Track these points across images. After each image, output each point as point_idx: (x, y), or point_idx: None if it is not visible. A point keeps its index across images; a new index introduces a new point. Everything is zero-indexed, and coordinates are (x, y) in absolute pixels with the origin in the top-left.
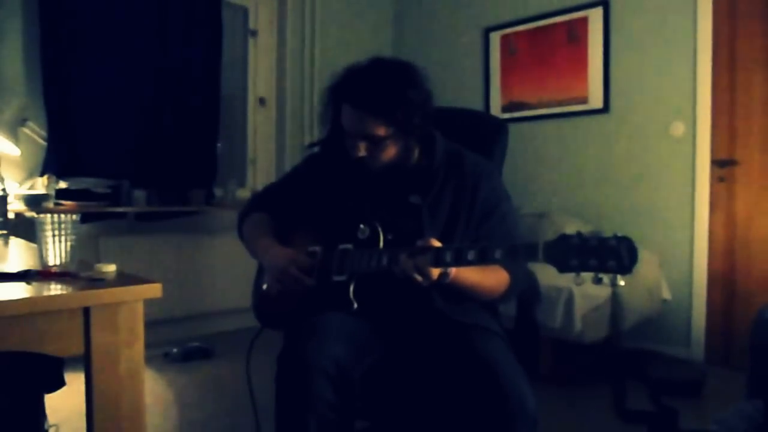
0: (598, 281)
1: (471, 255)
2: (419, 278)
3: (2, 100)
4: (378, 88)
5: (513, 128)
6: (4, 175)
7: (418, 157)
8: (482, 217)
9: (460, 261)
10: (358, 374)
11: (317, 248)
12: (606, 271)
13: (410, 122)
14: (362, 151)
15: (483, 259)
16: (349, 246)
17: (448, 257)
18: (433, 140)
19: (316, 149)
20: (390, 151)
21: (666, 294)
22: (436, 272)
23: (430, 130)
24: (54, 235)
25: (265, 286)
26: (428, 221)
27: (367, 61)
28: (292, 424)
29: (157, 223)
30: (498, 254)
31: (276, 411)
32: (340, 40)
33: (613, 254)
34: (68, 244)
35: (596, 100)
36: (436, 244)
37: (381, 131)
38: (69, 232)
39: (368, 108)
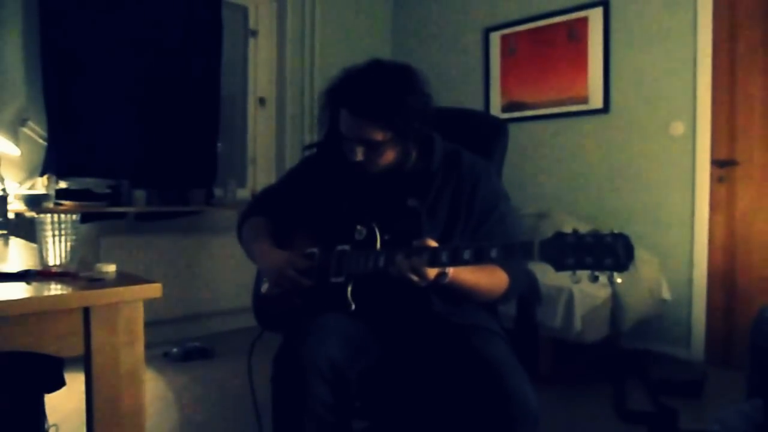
0: (594, 279)
1: (467, 254)
2: (416, 279)
3: (2, 100)
4: (376, 93)
5: (513, 128)
6: (4, 175)
7: (416, 159)
8: (481, 218)
9: (457, 261)
10: (354, 375)
11: (315, 250)
12: (602, 268)
13: (408, 127)
14: (360, 156)
15: (479, 259)
16: (347, 247)
17: (445, 257)
18: (431, 142)
19: (313, 150)
20: (388, 156)
21: (666, 294)
22: (432, 272)
23: (428, 133)
24: (54, 235)
25: (264, 289)
26: (427, 224)
27: (365, 65)
28: (289, 424)
29: (157, 223)
30: (494, 253)
31: (273, 412)
32: (340, 40)
33: (610, 251)
34: (68, 244)
35: (596, 100)
36: (433, 244)
37: (379, 136)
38: (69, 232)
39: (366, 114)
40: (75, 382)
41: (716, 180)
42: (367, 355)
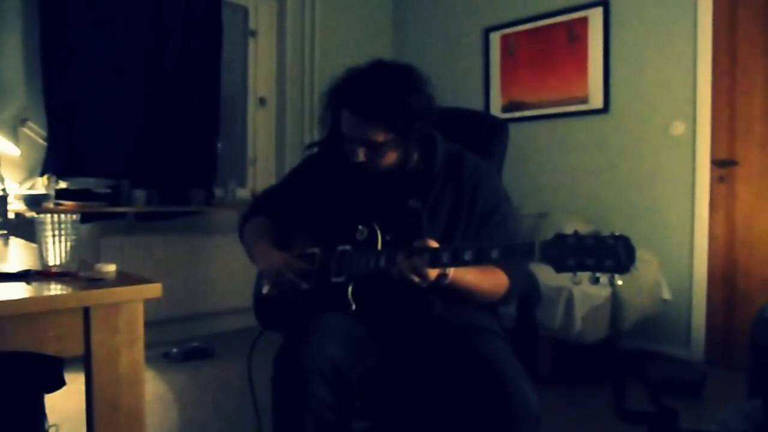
0: (595, 281)
1: (468, 255)
2: (417, 279)
3: (2, 100)
4: (378, 94)
5: (513, 128)
6: (4, 175)
7: (418, 160)
8: (482, 220)
9: (457, 261)
10: (355, 375)
11: (316, 250)
12: (603, 270)
13: (410, 128)
14: (361, 156)
15: (480, 259)
16: (348, 247)
17: (445, 258)
18: (434, 143)
19: (314, 150)
20: (389, 157)
21: (666, 294)
22: (433, 273)
23: (430, 134)
24: (54, 235)
25: (264, 290)
26: (428, 225)
27: (368, 65)
28: (289, 424)
29: (157, 223)
30: (495, 254)
31: (273, 412)
32: (340, 40)
33: (611, 253)
34: (68, 244)
35: (596, 100)
36: (434, 244)
37: (380, 137)
38: (69, 232)
39: (368, 115)
40: (75, 382)
41: (716, 180)
42: (367, 355)
